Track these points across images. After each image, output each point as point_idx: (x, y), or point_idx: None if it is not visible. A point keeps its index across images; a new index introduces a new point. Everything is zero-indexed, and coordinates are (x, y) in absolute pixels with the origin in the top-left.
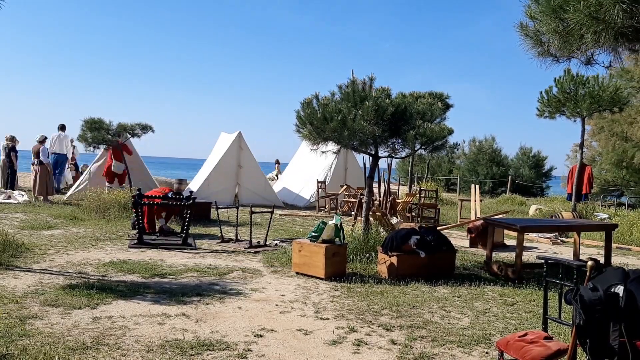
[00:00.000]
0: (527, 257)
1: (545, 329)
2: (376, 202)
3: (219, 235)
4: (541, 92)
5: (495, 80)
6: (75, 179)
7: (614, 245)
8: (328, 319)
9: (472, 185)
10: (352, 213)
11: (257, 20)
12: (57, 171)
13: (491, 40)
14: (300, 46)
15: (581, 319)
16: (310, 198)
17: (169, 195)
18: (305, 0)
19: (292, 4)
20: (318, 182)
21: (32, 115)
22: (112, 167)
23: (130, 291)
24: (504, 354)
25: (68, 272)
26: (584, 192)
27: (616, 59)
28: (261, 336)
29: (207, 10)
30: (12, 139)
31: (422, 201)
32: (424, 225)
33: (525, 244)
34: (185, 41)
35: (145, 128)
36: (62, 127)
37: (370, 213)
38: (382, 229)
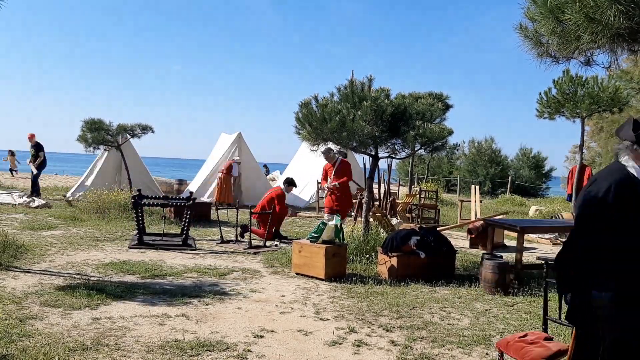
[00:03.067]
0: (527, 257)
1: (545, 330)
2: (376, 203)
3: (219, 235)
4: (540, 93)
5: (479, 88)
6: None
7: None
8: (328, 319)
9: (472, 186)
10: (352, 214)
11: (256, 29)
12: None
13: (462, 55)
14: (296, 55)
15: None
16: (310, 199)
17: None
18: (297, 19)
19: (287, 18)
20: (318, 182)
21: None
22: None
23: (130, 292)
24: (504, 354)
25: (68, 273)
26: None
27: (614, 60)
28: (261, 337)
29: (210, 15)
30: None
31: (422, 202)
32: (424, 226)
33: (525, 244)
34: (186, 43)
35: (145, 129)
36: None
37: (370, 214)
38: (382, 230)
